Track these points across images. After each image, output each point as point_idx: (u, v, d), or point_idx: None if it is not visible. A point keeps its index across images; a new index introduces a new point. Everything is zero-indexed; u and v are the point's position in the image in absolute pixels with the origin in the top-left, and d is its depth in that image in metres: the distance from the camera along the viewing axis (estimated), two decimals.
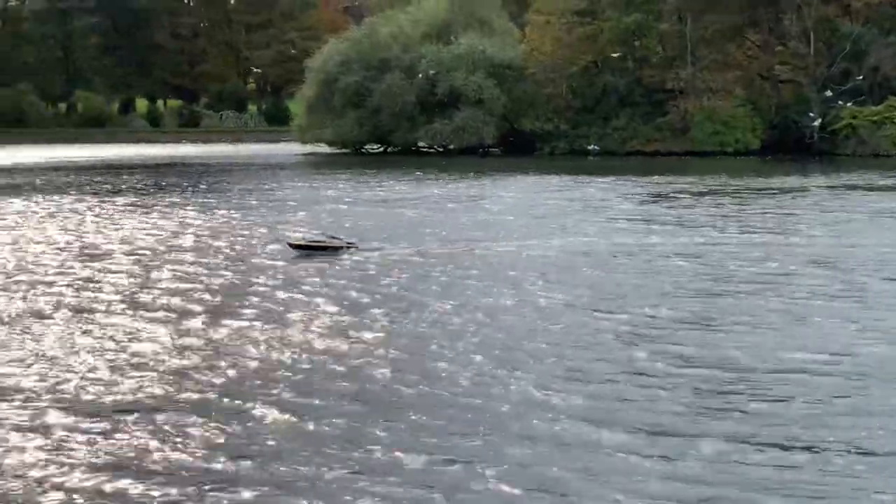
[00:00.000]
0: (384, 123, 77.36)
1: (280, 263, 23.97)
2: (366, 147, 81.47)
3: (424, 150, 78.83)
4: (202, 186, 47.76)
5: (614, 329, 17.03)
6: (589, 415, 12.51)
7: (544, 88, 74.62)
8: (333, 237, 26.07)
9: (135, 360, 15.05)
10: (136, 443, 11.55)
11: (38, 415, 12.50)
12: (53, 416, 12.44)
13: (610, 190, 43.46)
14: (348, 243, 25.56)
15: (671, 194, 41.23)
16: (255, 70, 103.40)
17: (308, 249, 24.90)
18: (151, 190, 45.89)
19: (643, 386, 13.76)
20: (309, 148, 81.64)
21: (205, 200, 40.25)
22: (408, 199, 40.40)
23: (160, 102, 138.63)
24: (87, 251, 26.15)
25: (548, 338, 16.43)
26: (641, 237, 28.57)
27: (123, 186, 48.07)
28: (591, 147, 72.60)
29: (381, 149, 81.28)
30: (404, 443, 11.55)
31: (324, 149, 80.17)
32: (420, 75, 75.46)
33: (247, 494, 10.21)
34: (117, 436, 11.76)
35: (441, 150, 77.74)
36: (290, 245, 25.36)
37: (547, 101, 74.90)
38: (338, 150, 79.73)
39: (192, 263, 24.10)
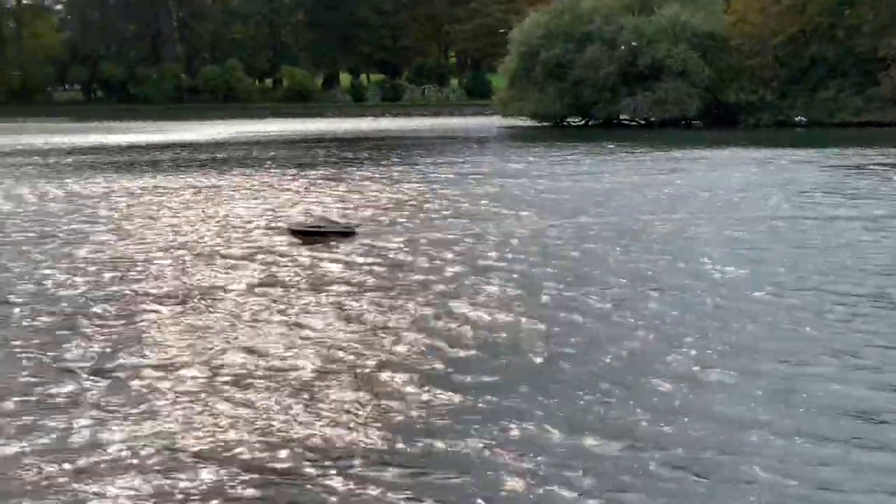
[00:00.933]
0: (585, 96, 76.62)
1: (450, 237, 23.67)
2: (567, 120, 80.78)
3: (626, 122, 77.90)
4: (396, 159, 47.95)
5: (791, 305, 16.17)
6: (756, 399, 11.71)
7: (749, 59, 72.69)
8: (333, 221, 24.59)
9: (298, 334, 14.88)
10: (291, 415, 11.38)
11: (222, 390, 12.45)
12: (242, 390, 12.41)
13: (809, 162, 41.93)
14: (346, 228, 24.07)
15: (872, 166, 39.53)
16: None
17: (310, 235, 23.22)
18: (346, 163, 46.18)
19: (818, 371, 12.85)
20: (510, 121, 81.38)
21: (395, 173, 40.29)
22: (594, 171, 39.75)
23: (363, 77, 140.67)
24: (270, 224, 26.37)
25: (718, 314, 15.67)
26: (832, 210, 27.38)
27: (320, 159, 48.66)
28: (797, 119, 70.55)
29: (582, 122, 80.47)
30: (555, 418, 11.06)
31: (525, 122, 79.80)
32: (622, 47, 74.41)
33: (396, 468, 9.95)
34: (270, 408, 11.63)
35: (643, 122, 76.71)
36: (291, 231, 23.71)
37: (752, 73, 72.99)
38: (538, 124, 79.25)
39: (369, 237, 24.04)
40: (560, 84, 76.89)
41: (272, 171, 42.34)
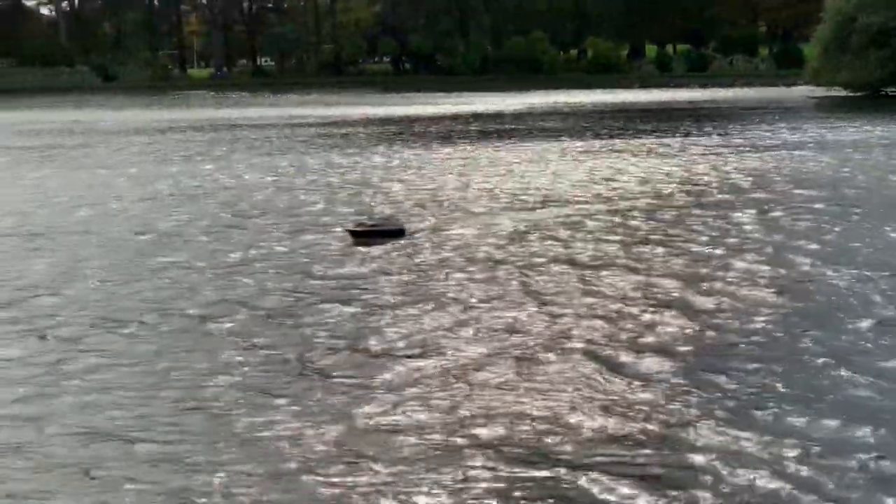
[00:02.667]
0: None
1: (708, 212, 22.04)
2: (884, 90, 76.98)
3: None
4: (682, 130, 46.32)
5: None
6: None
7: None
8: (386, 220, 21.91)
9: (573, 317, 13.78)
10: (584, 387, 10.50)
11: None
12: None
13: None
14: (397, 226, 21.46)
15: None
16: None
17: (367, 237, 20.60)
18: (632, 133, 45.05)
19: None
20: (822, 91, 78.26)
21: (675, 143, 39.06)
22: (864, 145, 37.32)
23: (669, 47, 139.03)
24: (555, 193, 25.70)
25: None
26: None
27: (616, 129, 47.81)
28: None
29: None
30: (816, 410, 9.65)
31: (838, 92, 76.52)
32: None
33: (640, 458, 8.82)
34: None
35: None
36: (349, 232, 21.01)
37: None
38: (853, 94, 75.80)
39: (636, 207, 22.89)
40: (879, 52, 73.20)
41: (556, 141, 41.72)
